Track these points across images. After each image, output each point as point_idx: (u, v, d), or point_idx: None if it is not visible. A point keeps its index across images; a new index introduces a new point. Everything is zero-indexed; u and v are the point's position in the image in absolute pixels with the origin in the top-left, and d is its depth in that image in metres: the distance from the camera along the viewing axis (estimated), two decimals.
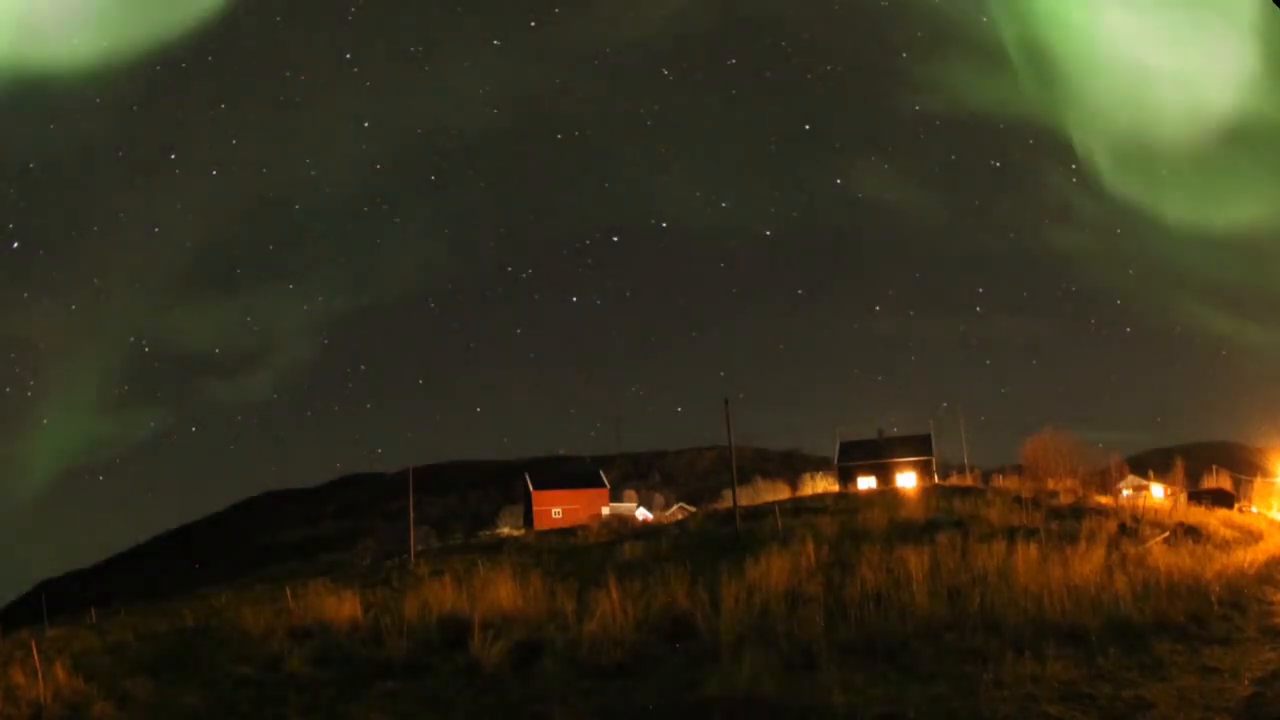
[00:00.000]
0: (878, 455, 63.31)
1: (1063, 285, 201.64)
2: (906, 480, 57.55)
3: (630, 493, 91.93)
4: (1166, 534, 24.16)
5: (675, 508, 79.13)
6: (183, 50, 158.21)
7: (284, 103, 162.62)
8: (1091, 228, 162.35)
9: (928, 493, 41.35)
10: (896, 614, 13.57)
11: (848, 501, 41.53)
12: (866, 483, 60.06)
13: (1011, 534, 22.10)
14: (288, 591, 27.93)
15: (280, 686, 13.52)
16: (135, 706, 13.38)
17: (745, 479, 67.87)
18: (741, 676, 10.58)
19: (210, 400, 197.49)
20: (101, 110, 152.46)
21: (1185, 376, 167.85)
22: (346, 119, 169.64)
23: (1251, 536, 27.12)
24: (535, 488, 75.52)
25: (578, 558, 31.20)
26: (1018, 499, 34.92)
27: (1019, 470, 53.36)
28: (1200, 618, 13.22)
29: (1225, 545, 23.35)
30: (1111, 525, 25.35)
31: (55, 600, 74.11)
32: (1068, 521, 27.08)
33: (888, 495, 41.65)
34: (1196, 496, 42.59)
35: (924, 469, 60.56)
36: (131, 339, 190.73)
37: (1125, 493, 49.59)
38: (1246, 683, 10.02)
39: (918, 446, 63.08)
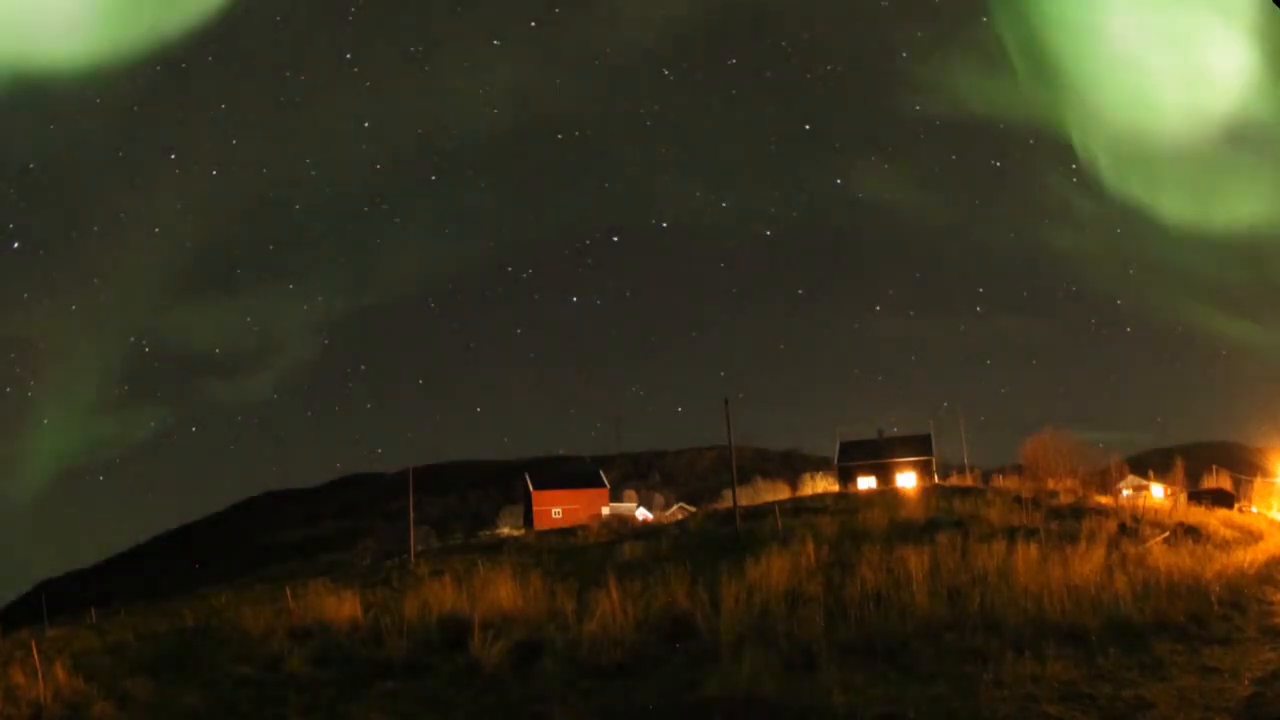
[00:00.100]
0: (878, 455, 63.32)
1: (1063, 285, 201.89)
2: (906, 480, 57.56)
3: (630, 493, 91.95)
4: (1166, 534, 24.15)
5: (675, 508, 79.14)
6: (183, 50, 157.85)
7: (284, 103, 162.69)
8: (1091, 228, 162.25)
9: (928, 493, 41.35)
10: (896, 614, 13.56)
11: (848, 501, 41.52)
12: (866, 483, 60.06)
13: (1011, 534, 22.09)
14: (288, 591, 27.93)
15: (280, 686, 13.53)
16: (135, 706, 13.39)
17: (745, 479, 67.87)
18: (741, 676, 10.58)
19: (210, 400, 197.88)
20: (101, 110, 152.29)
21: (1185, 376, 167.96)
22: (346, 119, 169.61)
23: (1251, 536, 27.12)
24: (535, 488, 75.52)
25: (578, 558, 31.20)
26: (1018, 499, 34.91)
27: (1019, 470, 53.34)
28: (1200, 618, 13.22)
29: (1225, 545, 23.34)
30: (1111, 525, 25.34)
31: (55, 600, 74.08)
32: (1068, 521, 27.07)
33: (888, 495, 41.64)
34: (1196, 496, 42.58)
35: (924, 469, 60.56)
36: (131, 339, 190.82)
37: (1125, 493, 49.58)
38: (1246, 683, 10.02)
39: (918, 446, 63.08)
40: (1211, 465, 54.97)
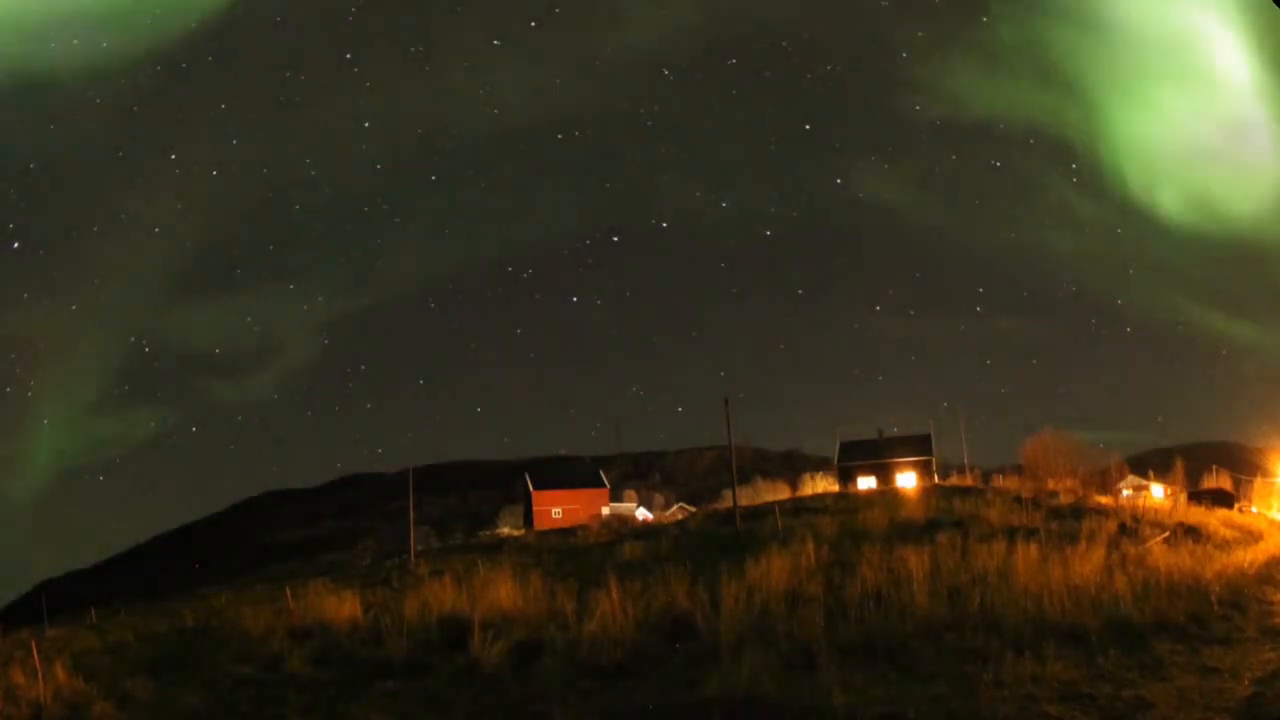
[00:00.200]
0: (878, 455, 63.34)
1: (1063, 285, 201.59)
2: (906, 480, 57.58)
3: (630, 493, 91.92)
4: (1166, 534, 24.15)
5: (675, 508, 79.14)
6: (183, 50, 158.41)
7: (284, 103, 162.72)
8: (1091, 228, 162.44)
9: (928, 493, 41.37)
10: (896, 614, 13.55)
11: (848, 501, 41.54)
12: (866, 483, 60.08)
13: (1011, 534, 22.09)
14: (288, 591, 27.94)
15: (280, 686, 13.53)
16: (135, 706, 13.39)
17: (745, 479, 67.87)
18: (741, 676, 10.58)
19: (211, 400, 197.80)
20: (101, 110, 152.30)
21: (1185, 376, 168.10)
22: (346, 119, 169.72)
23: (1251, 536, 27.11)
24: (535, 488, 75.52)
25: (578, 558, 31.20)
26: (1018, 499, 34.93)
27: (1019, 470, 53.37)
28: (1200, 618, 13.21)
29: (1225, 545, 23.33)
30: (1111, 525, 25.34)
31: (55, 600, 73.99)
32: (1068, 521, 27.07)
33: (888, 495, 41.66)
34: (1196, 496, 42.58)
35: (924, 469, 60.58)
36: (131, 339, 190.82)
37: (1125, 493, 49.59)
38: (1246, 683, 10.02)
39: (918, 446, 63.10)
40: (1211, 465, 54.96)
